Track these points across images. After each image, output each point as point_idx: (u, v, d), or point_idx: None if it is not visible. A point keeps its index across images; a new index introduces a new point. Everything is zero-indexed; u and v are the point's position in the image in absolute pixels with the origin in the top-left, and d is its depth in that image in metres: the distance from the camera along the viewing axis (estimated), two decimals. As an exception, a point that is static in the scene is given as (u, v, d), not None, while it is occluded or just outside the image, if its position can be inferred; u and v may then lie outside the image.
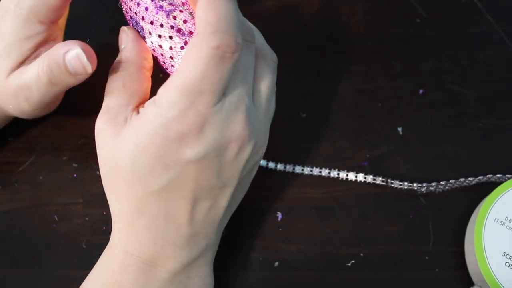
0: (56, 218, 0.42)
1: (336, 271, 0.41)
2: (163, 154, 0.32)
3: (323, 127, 0.45)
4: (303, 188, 0.43)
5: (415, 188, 0.42)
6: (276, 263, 0.41)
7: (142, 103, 0.35)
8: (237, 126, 0.32)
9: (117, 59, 0.36)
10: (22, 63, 0.37)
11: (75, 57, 0.35)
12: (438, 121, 0.45)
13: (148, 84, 0.36)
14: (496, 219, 0.39)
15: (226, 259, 0.41)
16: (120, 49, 0.36)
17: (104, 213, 0.42)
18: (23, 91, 0.37)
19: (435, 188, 0.42)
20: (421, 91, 0.46)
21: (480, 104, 0.45)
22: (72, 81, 0.36)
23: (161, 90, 0.32)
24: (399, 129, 0.45)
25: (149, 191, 0.33)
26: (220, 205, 0.35)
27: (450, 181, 0.42)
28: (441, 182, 0.42)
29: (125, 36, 0.36)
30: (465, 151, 0.44)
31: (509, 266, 0.38)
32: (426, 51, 0.47)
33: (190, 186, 0.33)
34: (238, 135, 0.32)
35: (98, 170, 0.43)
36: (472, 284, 0.40)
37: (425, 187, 0.42)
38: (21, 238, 0.42)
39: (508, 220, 0.39)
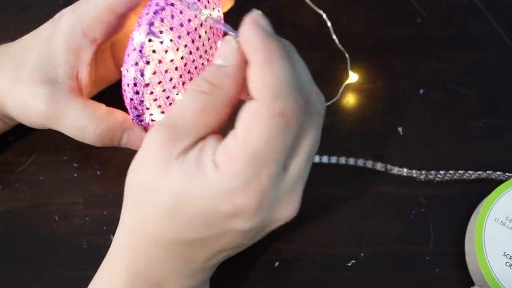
0: (57, 218, 0.42)
1: (336, 271, 0.41)
2: (210, 217, 0.29)
3: (323, 127, 0.45)
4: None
5: (414, 175, 0.42)
6: (276, 263, 0.41)
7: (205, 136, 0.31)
8: (291, 206, 0.30)
9: (210, 74, 0.30)
10: (54, 77, 0.37)
11: (136, 138, 0.38)
12: (438, 121, 0.45)
13: (225, 119, 0.31)
14: (497, 219, 0.39)
15: (226, 259, 0.41)
16: (215, 62, 0.30)
17: (105, 213, 0.42)
18: (45, 119, 0.38)
19: (434, 177, 0.42)
20: (421, 91, 0.46)
21: (480, 104, 0.45)
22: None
23: (223, 158, 0.29)
24: (399, 129, 0.45)
25: (176, 236, 0.31)
26: (235, 252, 0.34)
27: (450, 171, 0.42)
28: (440, 172, 0.42)
29: (230, 50, 0.30)
30: (465, 151, 0.44)
31: (510, 266, 0.38)
32: (426, 51, 0.47)
33: (222, 243, 0.31)
34: (289, 214, 0.30)
35: (98, 170, 0.43)
36: (473, 284, 0.40)
37: (424, 175, 0.42)
38: (21, 238, 0.42)
39: (509, 220, 0.39)
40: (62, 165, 0.44)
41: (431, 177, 0.42)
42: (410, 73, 0.47)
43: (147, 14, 0.34)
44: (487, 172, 0.42)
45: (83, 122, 0.38)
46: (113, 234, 0.41)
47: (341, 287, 0.40)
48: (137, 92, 0.36)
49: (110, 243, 0.41)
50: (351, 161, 0.43)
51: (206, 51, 0.38)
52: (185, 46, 0.36)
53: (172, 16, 0.35)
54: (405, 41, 0.48)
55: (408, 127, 0.45)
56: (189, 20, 0.35)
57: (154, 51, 0.35)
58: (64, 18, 0.38)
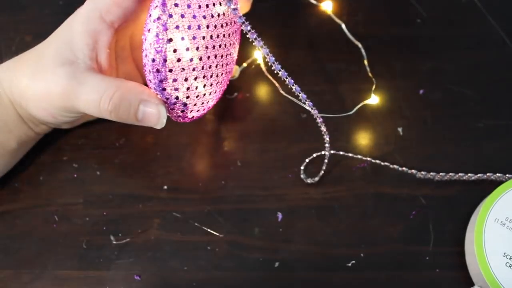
0: (56, 218, 0.42)
1: (336, 271, 0.41)
2: None
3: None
4: (303, 189, 0.43)
5: (415, 173, 0.42)
6: (276, 263, 0.41)
7: None
8: None
9: None
10: (74, 60, 0.38)
11: (152, 112, 0.36)
12: (438, 121, 0.45)
13: None
14: (497, 220, 0.39)
15: (227, 259, 0.41)
16: None
17: (105, 213, 0.42)
18: (66, 97, 0.37)
19: (434, 177, 0.42)
20: (421, 91, 0.46)
21: (480, 104, 0.45)
22: (133, 123, 0.37)
23: None
24: (399, 129, 0.45)
25: None
26: None
27: (450, 173, 0.42)
28: (440, 173, 0.42)
29: None
30: (465, 151, 0.44)
31: (510, 266, 0.38)
32: (426, 51, 0.47)
33: None
34: None
35: (98, 170, 0.44)
36: (473, 284, 0.39)
37: (424, 174, 0.42)
38: (21, 238, 0.42)
39: (509, 220, 0.39)
40: (62, 165, 0.44)
41: (431, 176, 0.42)
42: (410, 73, 0.47)
43: None
44: (487, 174, 0.42)
45: (100, 93, 0.36)
46: (113, 234, 0.42)
47: (341, 287, 0.40)
48: (160, 50, 0.34)
49: (110, 243, 0.41)
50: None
51: (231, 35, 0.39)
52: (211, 16, 0.36)
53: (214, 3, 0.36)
54: (405, 41, 0.48)
55: (408, 127, 0.45)
56: (218, 15, 0.36)
57: (176, 5, 0.34)
58: (84, 5, 0.38)
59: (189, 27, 0.35)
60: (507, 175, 0.42)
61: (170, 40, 0.34)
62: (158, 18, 0.34)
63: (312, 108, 0.38)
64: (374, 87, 0.45)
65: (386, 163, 0.43)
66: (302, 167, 0.43)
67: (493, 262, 0.38)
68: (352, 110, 0.45)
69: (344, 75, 0.46)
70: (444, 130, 0.45)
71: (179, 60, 0.35)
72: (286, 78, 0.37)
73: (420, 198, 0.42)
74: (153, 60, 0.35)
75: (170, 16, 0.34)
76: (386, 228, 0.42)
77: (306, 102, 0.38)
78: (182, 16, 0.35)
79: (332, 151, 0.43)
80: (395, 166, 0.42)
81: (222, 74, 0.39)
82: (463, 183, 0.43)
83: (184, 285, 0.40)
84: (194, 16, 0.35)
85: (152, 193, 0.43)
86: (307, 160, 0.43)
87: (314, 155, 0.44)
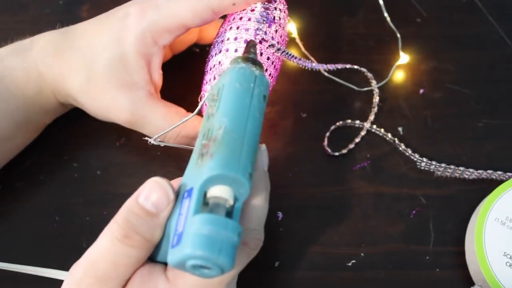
0: (57, 218, 0.42)
1: (336, 271, 0.40)
2: None
3: (323, 127, 0.45)
4: (303, 188, 0.43)
5: (415, 159, 0.42)
6: (276, 263, 0.41)
7: None
8: None
9: (141, 226, 0.29)
10: (131, 83, 0.38)
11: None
12: (438, 121, 0.45)
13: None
14: (497, 219, 0.39)
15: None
16: (145, 203, 0.30)
17: (105, 213, 0.42)
18: (128, 124, 0.39)
19: (434, 167, 0.42)
20: (421, 90, 0.46)
21: (480, 104, 0.46)
22: None
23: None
24: (399, 129, 0.45)
25: None
26: None
27: (450, 166, 0.42)
28: (441, 164, 0.42)
29: (165, 199, 0.30)
30: (465, 151, 0.44)
31: (510, 265, 0.38)
32: (426, 51, 0.47)
33: None
34: None
35: (98, 170, 0.43)
36: (473, 284, 0.39)
37: (425, 163, 0.42)
38: (21, 238, 0.42)
39: (509, 220, 0.39)
40: (62, 165, 0.44)
41: (432, 167, 0.42)
42: (409, 73, 0.47)
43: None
44: (488, 171, 0.42)
45: (165, 127, 0.38)
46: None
47: (341, 287, 0.40)
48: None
49: (110, 243, 0.41)
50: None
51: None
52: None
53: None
54: (405, 41, 0.48)
55: (408, 127, 0.45)
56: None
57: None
58: (133, 22, 0.38)
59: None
60: (507, 173, 0.42)
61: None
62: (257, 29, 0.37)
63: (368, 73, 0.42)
64: (400, 45, 0.46)
65: (391, 140, 0.43)
66: (326, 135, 0.44)
67: (493, 261, 0.38)
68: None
69: (344, 75, 0.46)
70: (444, 129, 0.45)
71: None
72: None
73: (420, 198, 0.42)
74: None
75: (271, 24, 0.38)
76: (386, 228, 0.42)
77: (366, 73, 0.42)
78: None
79: (368, 126, 0.44)
80: (400, 147, 0.43)
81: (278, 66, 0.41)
82: (463, 183, 0.43)
83: (184, 285, 0.40)
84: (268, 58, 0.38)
85: (152, 193, 0.43)
86: (332, 128, 0.44)
87: (339, 123, 0.44)
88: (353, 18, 0.49)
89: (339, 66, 0.41)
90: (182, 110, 0.40)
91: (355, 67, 0.41)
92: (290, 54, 0.39)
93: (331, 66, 0.41)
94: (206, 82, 0.38)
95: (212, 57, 0.38)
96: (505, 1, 0.49)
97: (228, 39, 0.37)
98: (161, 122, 0.39)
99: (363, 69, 0.42)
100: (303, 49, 0.47)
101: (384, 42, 0.48)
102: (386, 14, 0.47)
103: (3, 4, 0.50)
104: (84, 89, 0.39)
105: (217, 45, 0.38)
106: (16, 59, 0.39)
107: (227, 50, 0.37)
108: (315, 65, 0.40)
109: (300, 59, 0.40)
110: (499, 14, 0.48)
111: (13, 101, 0.39)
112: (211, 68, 0.38)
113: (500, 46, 0.47)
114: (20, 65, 0.39)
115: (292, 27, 0.47)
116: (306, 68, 0.40)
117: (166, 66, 0.45)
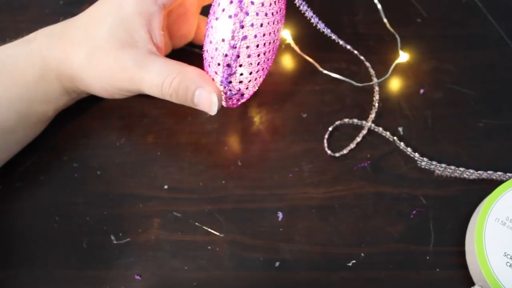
0: (57, 218, 0.42)
1: (336, 271, 0.40)
2: None
3: (324, 127, 0.45)
4: (303, 188, 0.43)
5: (416, 158, 0.42)
6: (277, 263, 0.41)
7: None
8: None
9: None
10: (132, 42, 0.39)
11: (206, 98, 0.39)
12: (439, 120, 0.45)
13: None
14: (497, 219, 0.39)
15: (227, 259, 0.41)
16: None
17: (105, 213, 0.42)
18: (131, 81, 0.39)
19: (435, 167, 0.42)
20: (421, 90, 0.46)
21: (480, 104, 0.46)
22: (191, 106, 0.40)
23: None
24: (400, 128, 0.45)
25: None
26: None
27: (451, 166, 0.42)
28: (441, 164, 0.42)
29: None
30: (465, 151, 0.44)
31: (510, 266, 0.38)
32: (426, 51, 0.47)
33: None
34: None
35: (98, 170, 0.43)
36: (473, 284, 0.39)
37: (426, 162, 0.42)
38: (21, 238, 0.42)
39: (509, 220, 0.39)
40: (62, 165, 0.44)
41: (432, 167, 0.42)
42: (409, 73, 0.47)
43: None
44: (488, 172, 0.42)
45: (163, 76, 0.38)
46: (113, 234, 0.42)
47: (341, 287, 0.40)
48: (234, 46, 0.36)
49: (110, 243, 0.41)
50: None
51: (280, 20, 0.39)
52: (272, 3, 0.37)
53: None
54: (405, 41, 0.48)
55: (408, 127, 0.45)
56: None
57: (252, 3, 0.35)
58: None
59: (261, 25, 0.36)
60: (507, 174, 0.42)
61: (245, 37, 0.35)
62: (235, 15, 0.35)
63: (371, 69, 0.42)
64: (399, 44, 0.46)
65: (391, 138, 0.43)
66: (325, 137, 0.44)
67: (494, 261, 0.38)
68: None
69: (344, 75, 0.46)
70: (445, 129, 0.45)
71: (249, 56, 0.36)
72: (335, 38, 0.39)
73: (420, 198, 0.42)
74: (225, 55, 0.36)
75: (247, 14, 0.35)
76: (386, 228, 0.42)
77: (365, 61, 0.41)
78: (257, 14, 0.35)
79: (369, 124, 0.44)
80: (400, 146, 0.43)
81: (272, 57, 0.40)
82: (463, 183, 0.43)
83: (184, 285, 0.40)
84: (266, 14, 0.36)
85: (152, 193, 0.43)
86: (330, 129, 0.44)
87: (338, 123, 0.44)
88: (353, 18, 0.49)
89: (348, 46, 0.40)
90: (178, 62, 0.40)
91: (362, 57, 0.41)
92: None
93: (340, 40, 0.40)
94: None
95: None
96: (505, 1, 0.49)
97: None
98: (158, 72, 0.39)
99: (367, 63, 0.41)
100: (298, 51, 0.47)
101: (384, 42, 0.48)
102: (385, 20, 0.47)
103: (3, 4, 0.50)
104: (88, 60, 0.39)
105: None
106: (20, 48, 0.40)
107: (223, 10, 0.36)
108: (322, 25, 0.39)
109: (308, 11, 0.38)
110: (499, 14, 0.48)
111: (15, 90, 0.39)
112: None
113: (500, 46, 0.47)
114: (23, 52, 0.40)
115: (287, 34, 0.47)
116: (313, 22, 0.39)
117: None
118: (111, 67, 0.39)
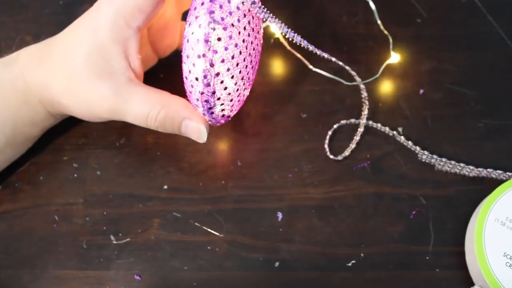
0: (56, 218, 0.42)
1: (336, 271, 0.40)
2: None
3: (323, 127, 0.45)
4: (303, 188, 0.43)
5: (417, 151, 0.43)
6: (277, 263, 0.41)
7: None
8: None
9: None
10: (111, 71, 0.38)
11: (193, 129, 0.38)
12: (438, 120, 0.45)
13: None
14: (497, 219, 0.39)
15: (227, 259, 0.41)
16: None
17: (105, 213, 0.42)
18: (112, 112, 0.39)
19: (435, 161, 0.42)
20: (421, 91, 0.46)
21: (480, 104, 0.45)
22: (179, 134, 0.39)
23: None
24: (400, 128, 0.45)
25: None
26: None
27: (451, 161, 0.42)
28: (442, 159, 0.42)
29: None
30: (465, 151, 0.44)
31: (510, 266, 0.38)
32: (426, 51, 0.47)
33: None
34: None
35: (98, 170, 0.44)
36: (473, 284, 0.39)
37: (426, 155, 0.42)
38: (21, 238, 0.42)
39: (509, 220, 0.39)
40: (62, 165, 0.44)
41: (432, 160, 0.42)
42: (410, 73, 0.47)
43: (202, 4, 0.34)
44: (487, 169, 0.42)
45: (147, 109, 0.38)
46: (113, 234, 0.42)
47: (341, 287, 0.40)
48: (208, 84, 0.35)
49: (110, 243, 0.41)
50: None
51: (258, 32, 0.39)
52: (244, 28, 0.36)
53: (229, 1, 0.35)
54: (405, 41, 0.48)
55: (409, 127, 0.45)
56: (238, 8, 0.35)
57: (219, 39, 0.34)
58: (104, 10, 0.38)
59: (232, 57, 0.36)
60: (507, 173, 0.42)
61: (218, 74, 0.35)
62: (204, 55, 0.34)
63: (351, 71, 0.40)
64: (391, 45, 0.45)
65: (390, 133, 0.43)
66: (326, 142, 0.44)
67: (493, 261, 0.38)
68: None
69: (344, 75, 0.46)
70: (444, 129, 0.45)
71: (225, 88, 0.36)
72: (311, 47, 0.38)
73: (420, 198, 0.42)
74: (202, 93, 0.36)
75: (215, 52, 0.34)
76: (386, 228, 0.42)
77: (346, 67, 0.40)
78: (226, 48, 0.35)
79: (365, 121, 0.44)
80: (400, 140, 0.43)
81: (253, 73, 0.40)
82: (463, 183, 0.43)
83: (184, 285, 0.40)
84: (236, 45, 0.35)
85: (152, 193, 0.43)
86: (329, 133, 0.44)
87: (336, 126, 0.44)
88: (353, 18, 0.49)
89: (326, 55, 0.38)
90: (162, 92, 0.39)
91: (340, 63, 0.40)
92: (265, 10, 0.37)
93: (317, 50, 0.38)
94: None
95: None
96: (505, 1, 0.49)
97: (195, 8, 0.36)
98: (142, 104, 0.38)
99: (347, 67, 0.40)
100: (288, 47, 0.47)
101: (384, 42, 0.48)
102: (379, 22, 0.47)
103: (3, 4, 0.50)
104: (67, 88, 0.39)
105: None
106: (2, 71, 0.39)
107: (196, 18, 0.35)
108: (298, 38, 0.37)
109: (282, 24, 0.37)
110: (499, 14, 0.48)
111: (1, 113, 0.39)
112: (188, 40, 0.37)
113: (500, 46, 0.47)
114: (6, 77, 0.39)
115: (276, 29, 0.46)
116: (287, 37, 0.37)
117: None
118: (90, 97, 0.38)
